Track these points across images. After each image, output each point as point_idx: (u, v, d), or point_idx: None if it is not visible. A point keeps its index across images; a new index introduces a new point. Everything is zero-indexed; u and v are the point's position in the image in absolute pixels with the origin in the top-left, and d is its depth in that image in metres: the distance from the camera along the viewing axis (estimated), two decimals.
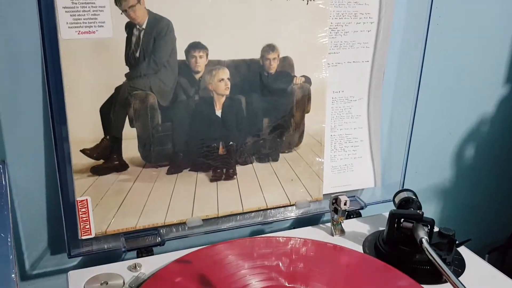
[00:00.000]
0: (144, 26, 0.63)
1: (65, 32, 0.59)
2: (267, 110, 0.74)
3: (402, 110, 0.85)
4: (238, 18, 0.68)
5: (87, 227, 0.66)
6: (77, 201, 0.65)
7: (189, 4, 0.65)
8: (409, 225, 0.67)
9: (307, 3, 0.71)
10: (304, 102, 0.76)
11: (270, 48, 0.71)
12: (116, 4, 0.61)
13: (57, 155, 0.62)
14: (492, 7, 0.92)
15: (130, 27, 0.63)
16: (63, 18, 0.59)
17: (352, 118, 0.82)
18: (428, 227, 0.66)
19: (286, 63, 0.73)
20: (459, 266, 0.68)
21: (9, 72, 0.62)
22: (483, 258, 0.71)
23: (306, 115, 0.77)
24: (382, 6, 0.78)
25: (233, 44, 0.69)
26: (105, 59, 0.62)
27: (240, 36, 0.69)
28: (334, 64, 0.78)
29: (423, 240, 0.63)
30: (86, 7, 0.60)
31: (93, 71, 0.62)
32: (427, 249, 0.62)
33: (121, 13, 0.62)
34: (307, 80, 0.75)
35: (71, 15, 0.59)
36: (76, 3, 0.59)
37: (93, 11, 0.60)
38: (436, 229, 0.67)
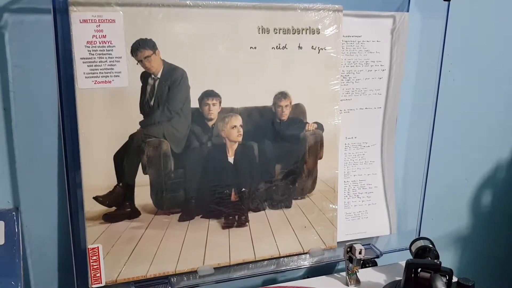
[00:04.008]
0: (159, 76, 0.65)
1: (82, 82, 0.61)
2: (279, 157, 0.74)
3: (416, 156, 0.85)
4: (251, 67, 0.69)
5: (97, 275, 0.65)
6: (88, 248, 0.64)
7: (203, 54, 0.66)
8: (427, 275, 0.65)
9: (319, 52, 0.72)
10: (317, 149, 0.76)
11: (282, 95, 0.72)
12: (132, 55, 0.63)
13: (70, 202, 0.62)
14: (505, 53, 0.93)
15: (145, 76, 0.64)
16: (80, 69, 0.60)
17: (366, 164, 0.82)
18: (446, 277, 0.64)
19: (298, 110, 0.74)
20: None
21: (26, 119, 0.64)
22: None
23: (319, 161, 0.76)
24: (393, 54, 0.79)
25: (246, 92, 0.70)
26: (120, 108, 0.63)
27: (252, 84, 0.70)
28: (346, 110, 0.78)
29: None
30: (103, 58, 0.61)
31: (108, 120, 0.63)
32: None
33: (137, 63, 0.63)
34: (320, 126, 0.75)
35: (88, 66, 0.61)
36: (93, 54, 0.61)
37: (110, 61, 0.62)
38: (454, 279, 0.65)
